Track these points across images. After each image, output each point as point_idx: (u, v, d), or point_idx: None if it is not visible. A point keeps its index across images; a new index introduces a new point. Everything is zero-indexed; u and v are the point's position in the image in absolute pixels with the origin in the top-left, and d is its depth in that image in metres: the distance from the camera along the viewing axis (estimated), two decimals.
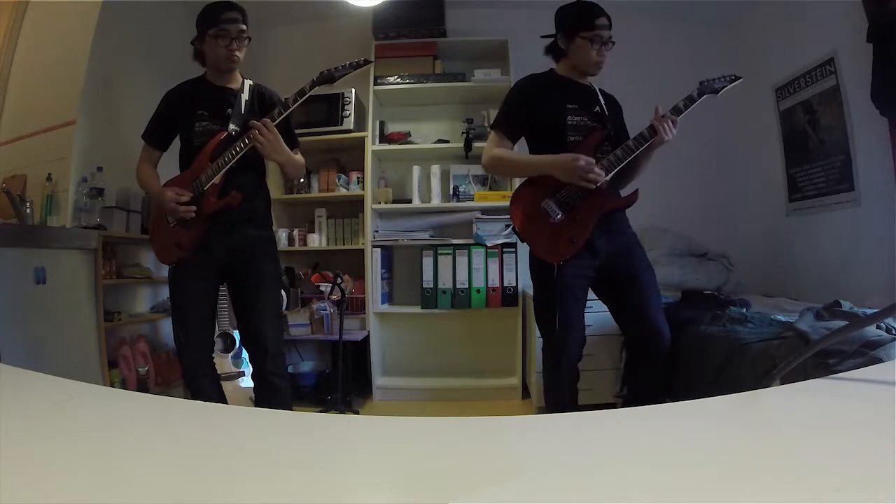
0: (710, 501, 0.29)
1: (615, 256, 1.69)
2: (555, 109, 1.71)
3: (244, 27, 1.70)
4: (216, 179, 1.68)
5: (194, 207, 1.68)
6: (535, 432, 0.44)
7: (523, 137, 1.80)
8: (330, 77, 1.64)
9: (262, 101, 1.80)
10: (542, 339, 1.79)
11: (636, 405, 0.48)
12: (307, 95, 1.65)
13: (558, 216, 1.64)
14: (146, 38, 2.72)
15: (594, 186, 1.60)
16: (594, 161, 1.60)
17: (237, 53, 1.71)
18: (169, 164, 1.85)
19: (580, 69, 1.73)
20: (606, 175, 1.63)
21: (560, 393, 1.74)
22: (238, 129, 1.71)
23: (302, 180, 3.02)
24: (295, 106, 1.66)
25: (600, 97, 1.76)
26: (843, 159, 2.35)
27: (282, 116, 1.67)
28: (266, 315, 1.76)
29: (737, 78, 1.66)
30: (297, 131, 1.93)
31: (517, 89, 1.80)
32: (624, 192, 1.77)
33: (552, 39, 1.77)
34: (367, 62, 1.68)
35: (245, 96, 1.77)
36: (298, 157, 1.83)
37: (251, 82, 1.82)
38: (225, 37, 1.67)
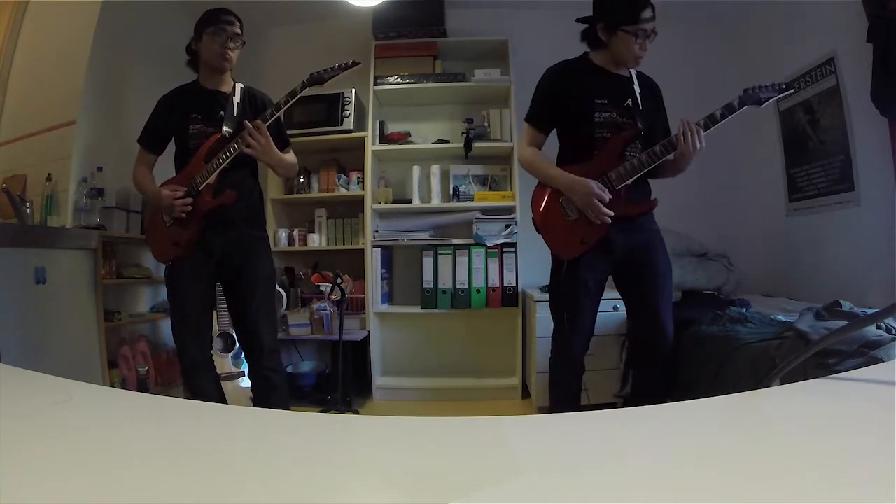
0: (710, 501, 0.29)
1: (633, 252, 1.67)
2: (582, 104, 1.65)
3: (239, 31, 1.78)
4: (211, 179, 1.71)
5: (191, 200, 1.71)
6: (535, 432, 0.44)
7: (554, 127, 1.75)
8: (319, 79, 1.67)
9: (254, 103, 1.84)
10: (552, 328, 1.79)
11: (637, 404, 0.48)
12: (297, 97, 1.68)
13: (574, 215, 1.63)
14: (146, 38, 2.71)
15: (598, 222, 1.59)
16: (607, 199, 1.57)
17: (230, 53, 1.76)
18: (165, 168, 1.86)
19: (618, 62, 1.66)
20: (624, 181, 1.60)
21: (563, 384, 1.75)
22: (232, 130, 1.75)
23: (301, 180, 3.03)
24: (286, 107, 1.69)
25: (636, 86, 1.69)
26: (843, 159, 2.35)
27: (273, 118, 1.71)
28: (261, 313, 1.79)
29: (788, 88, 1.56)
30: (298, 131, 1.96)
31: (545, 79, 1.73)
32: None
33: (587, 25, 1.69)
34: (355, 64, 1.69)
35: (237, 99, 1.81)
36: (290, 156, 1.87)
37: (242, 85, 1.86)
38: (221, 35, 1.74)
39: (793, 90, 1.54)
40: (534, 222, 1.73)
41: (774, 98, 1.55)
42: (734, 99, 1.55)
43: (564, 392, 1.74)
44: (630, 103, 1.66)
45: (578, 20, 1.70)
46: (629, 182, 1.61)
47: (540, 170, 1.72)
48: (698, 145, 1.55)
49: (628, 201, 1.64)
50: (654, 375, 1.76)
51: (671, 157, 1.61)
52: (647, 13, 1.57)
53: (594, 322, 1.73)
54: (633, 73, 1.72)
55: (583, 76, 1.68)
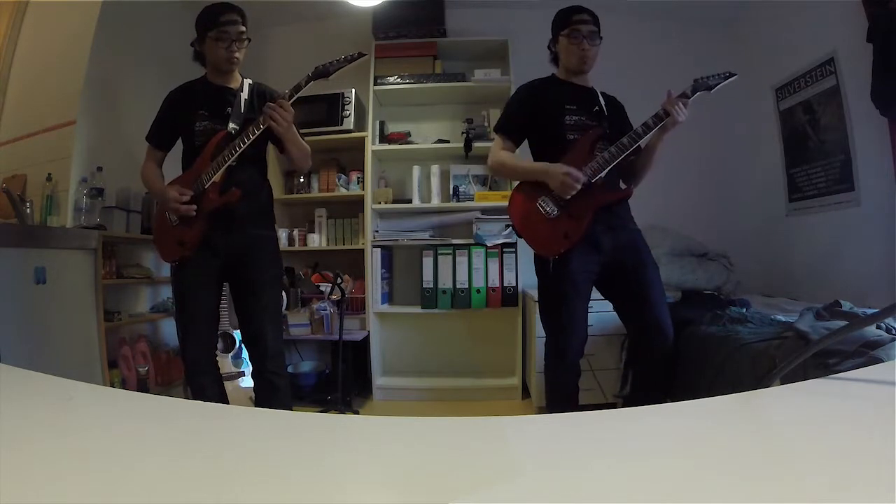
0: (710, 501, 0.29)
1: (619, 252, 1.70)
2: (553, 110, 1.74)
3: (243, 29, 1.72)
4: (217, 177, 1.69)
5: (195, 206, 1.68)
6: (535, 432, 0.44)
7: (526, 138, 1.83)
8: (325, 71, 1.64)
9: (262, 100, 1.80)
10: (545, 335, 1.80)
11: (638, 404, 0.48)
12: (303, 90, 1.65)
13: (554, 212, 1.67)
14: (146, 38, 2.72)
15: (566, 198, 1.65)
16: (581, 178, 1.63)
17: (237, 55, 1.73)
18: (174, 164, 1.85)
19: (570, 68, 1.77)
20: (599, 173, 1.66)
21: (560, 388, 1.75)
22: (238, 127, 1.72)
23: (301, 180, 3.03)
24: (291, 101, 1.66)
25: (600, 98, 1.78)
26: (843, 159, 2.35)
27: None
28: (267, 315, 1.77)
29: (731, 75, 1.67)
30: (298, 131, 1.92)
31: (517, 94, 1.86)
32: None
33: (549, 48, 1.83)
34: (361, 55, 1.65)
35: (244, 95, 1.78)
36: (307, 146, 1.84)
37: (250, 81, 1.83)
38: (224, 39, 1.70)
39: (735, 76, 1.67)
40: (513, 227, 1.79)
41: (721, 84, 1.66)
42: (687, 88, 1.66)
43: (562, 397, 1.74)
44: (598, 109, 1.76)
45: (549, 47, 1.84)
46: (603, 175, 1.67)
47: (513, 167, 1.81)
48: (686, 113, 1.62)
49: (605, 191, 1.70)
50: (657, 375, 1.76)
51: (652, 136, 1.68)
52: (580, 16, 1.72)
53: (587, 324, 1.74)
54: (598, 90, 1.82)
55: (552, 88, 1.80)
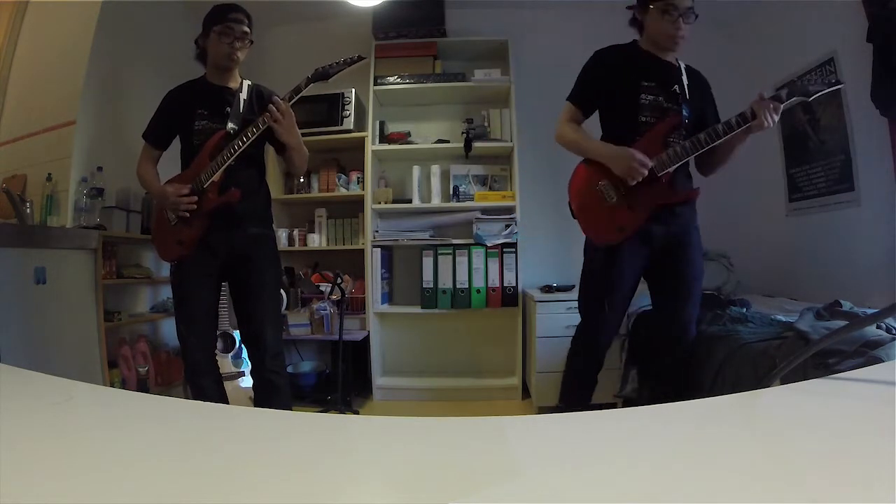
0: (709, 501, 0.29)
1: (669, 247, 1.64)
2: (629, 85, 1.63)
3: (247, 29, 1.75)
4: (216, 177, 1.70)
5: (195, 198, 1.69)
6: (535, 432, 0.44)
7: (597, 110, 1.74)
8: (324, 74, 1.64)
9: (261, 101, 1.81)
10: (579, 322, 1.77)
11: (641, 403, 0.48)
12: (302, 92, 1.66)
13: (613, 199, 1.60)
14: (146, 38, 2.72)
15: (632, 183, 1.56)
16: (647, 167, 1.54)
17: (238, 53, 1.74)
18: (170, 164, 1.85)
19: (657, 43, 1.64)
20: (667, 168, 1.56)
21: (580, 380, 1.71)
22: (237, 127, 1.73)
23: (301, 180, 3.03)
24: (290, 103, 1.67)
25: (684, 76, 1.66)
26: (843, 159, 2.35)
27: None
28: (266, 315, 1.77)
29: (838, 83, 1.55)
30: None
31: (594, 61, 1.71)
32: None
33: (633, 10, 1.70)
34: (360, 58, 1.66)
35: (244, 96, 1.79)
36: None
37: (249, 82, 1.84)
38: (228, 34, 1.72)
39: (842, 84, 1.54)
40: (570, 206, 1.70)
41: (823, 92, 1.52)
42: (781, 91, 1.53)
43: (579, 387, 1.71)
44: (677, 89, 1.63)
45: (628, 7, 1.70)
46: (671, 170, 1.57)
47: (577, 145, 1.69)
48: (776, 119, 1.50)
49: (671, 189, 1.60)
50: (669, 376, 1.74)
51: (717, 142, 1.56)
52: None
53: (622, 317, 1.70)
54: (682, 64, 1.69)
55: (631, 58, 1.67)
